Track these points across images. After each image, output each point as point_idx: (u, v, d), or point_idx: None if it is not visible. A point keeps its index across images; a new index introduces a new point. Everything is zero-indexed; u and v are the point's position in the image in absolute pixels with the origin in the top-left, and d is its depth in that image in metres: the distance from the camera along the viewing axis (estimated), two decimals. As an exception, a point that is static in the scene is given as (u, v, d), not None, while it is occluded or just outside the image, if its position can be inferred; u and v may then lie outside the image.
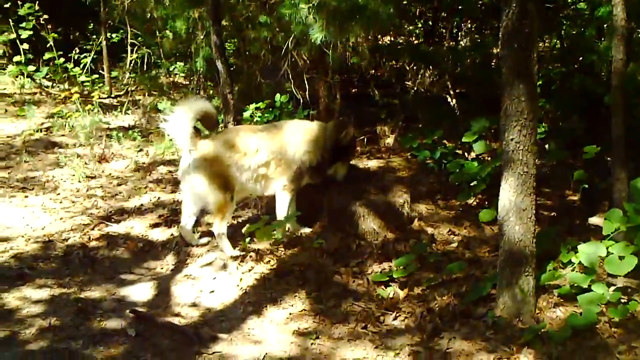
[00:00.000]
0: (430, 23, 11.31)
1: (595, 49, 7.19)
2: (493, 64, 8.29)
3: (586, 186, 7.04)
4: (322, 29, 6.90)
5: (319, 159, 6.57)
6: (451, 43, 12.25)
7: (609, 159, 6.97)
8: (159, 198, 7.83)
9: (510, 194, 4.99)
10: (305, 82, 9.69)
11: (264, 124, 7.53)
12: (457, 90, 10.36)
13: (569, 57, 8.08)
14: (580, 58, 7.83)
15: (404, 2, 10.38)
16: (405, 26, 10.94)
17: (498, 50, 8.35)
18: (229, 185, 6.33)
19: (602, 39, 7.24)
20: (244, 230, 6.37)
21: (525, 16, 4.74)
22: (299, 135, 6.58)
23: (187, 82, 13.29)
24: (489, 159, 7.40)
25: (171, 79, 13.17)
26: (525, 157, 4.92)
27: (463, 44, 11.89)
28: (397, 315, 5.36)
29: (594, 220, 7.19)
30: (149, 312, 5.34)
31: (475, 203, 7.58)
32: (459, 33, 11.98)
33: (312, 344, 4.89)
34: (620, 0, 5.80)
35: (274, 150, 6.45)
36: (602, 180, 7.80)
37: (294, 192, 6.61)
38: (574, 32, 7.61)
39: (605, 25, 7.31)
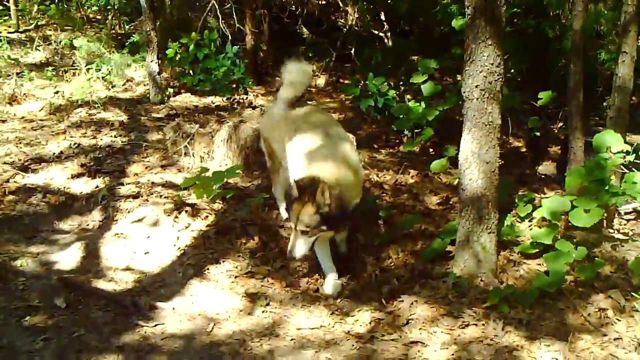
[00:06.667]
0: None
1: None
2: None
3: (538, 134, 6.80)
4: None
5: None
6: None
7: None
8: (79, 145, 7.02)
9: (473, 145, 4.64)
10: (234, 17, 9.08)
11: None
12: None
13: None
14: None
15: None
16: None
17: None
18: (273, 157, 5.61)
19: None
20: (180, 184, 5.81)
21: (496, -49, 4.35)
22: None
23: (100, 17, 12.35)
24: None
25: (83, 13, 12.20)
26: (490, 106, 4.58)
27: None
28: (351, 275, 4.99)
29: (543, 168, 7.05)
30: (79, 279, 4.75)
31: (419, 150, 7.28)
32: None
33: (263, 311, 4.44)
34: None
35: None
36: (547, 127, 7.62)
37: None
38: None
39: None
